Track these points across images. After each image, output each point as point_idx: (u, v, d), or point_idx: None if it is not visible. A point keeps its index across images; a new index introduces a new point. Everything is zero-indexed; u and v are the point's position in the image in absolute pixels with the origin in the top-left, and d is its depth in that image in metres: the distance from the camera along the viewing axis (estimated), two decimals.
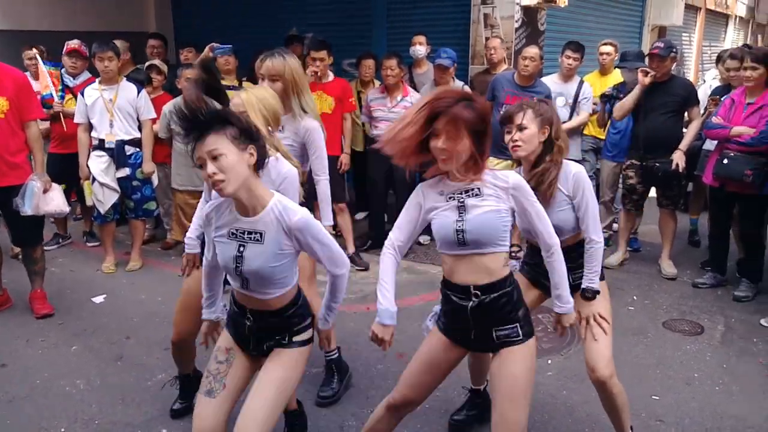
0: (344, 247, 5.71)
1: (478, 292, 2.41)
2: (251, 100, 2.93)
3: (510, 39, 6.66)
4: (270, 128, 2.91)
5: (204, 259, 2.57)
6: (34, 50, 6.04)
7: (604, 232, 6.05)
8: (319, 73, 5.49)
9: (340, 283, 2.48)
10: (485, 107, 2.38)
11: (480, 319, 2.44)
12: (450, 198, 2.42)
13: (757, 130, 4.58)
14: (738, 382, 3.72)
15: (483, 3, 6.82)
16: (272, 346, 2.44)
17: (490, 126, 2.37)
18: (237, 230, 2.30)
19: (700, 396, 3.58)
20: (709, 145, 5.42)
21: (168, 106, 5.56)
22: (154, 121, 5.53)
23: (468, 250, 2.40)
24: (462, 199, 2.40)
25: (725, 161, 4.68)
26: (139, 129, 5.47)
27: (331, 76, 5.71)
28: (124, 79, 5.51)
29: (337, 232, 6.05)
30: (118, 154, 5.36)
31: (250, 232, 2.28)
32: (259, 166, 2.26)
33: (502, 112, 2.93)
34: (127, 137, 5.39)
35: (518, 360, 2.40)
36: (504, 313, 2.42)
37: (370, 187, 6.26)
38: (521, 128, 2.79)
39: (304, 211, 2.30)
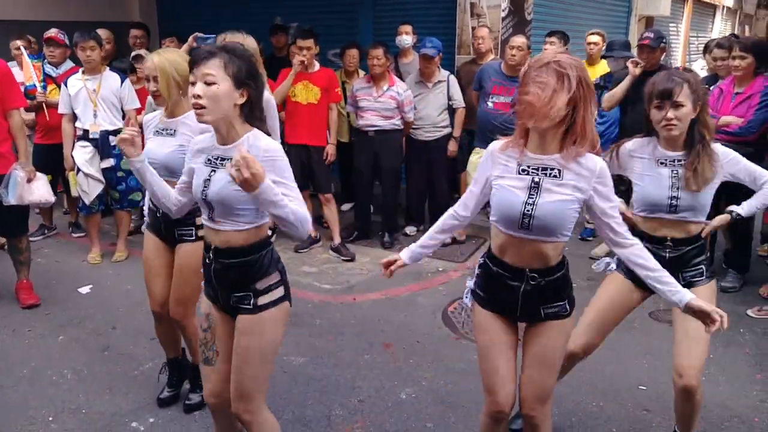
0: (330, 239, 5.73)
1: (535, 275, 2.28)
2: (163, 63, 2.95)
3: (497, 28, 6.65)
4: (181, 92, 2.99)
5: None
6: (19, 41, 5.97)
7: (589, 224, 6.13)
8: (306, 62, 5.45)
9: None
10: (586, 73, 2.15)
11: (530, 299, 2.33)
12: (524, 171, 2.22)
13: (746, 120, 4.60)
14: (724, 372, 3.74)
15: None
16: (237, 304, 2.35)
17: (593, 93, 2.14)
18: (212, 157, 2.31)
19: None
20: None
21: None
22: (138, 111, 5.48)
23: (531, 235, 2.23)
24: (538, 178, 2.19)
25: None
26: (124, 119, 5.42)
27: (317, 66, 5.67)
28: (108, 68, 5.45)
29: (323, 224, 6.05)
30: (102, 145, 5.32)
31: (222, 158, 2.27)
32: (247, 110, 2.24)
33: (655, 85, 2.66)
34: (111, 127, 5.34)
35: (560, 331, 2.38)
36: (554, 292, 2.33)
37: (355, 178, 6.24)
38: (677, 105, 2.59)
39: (277, 145, 2.26)
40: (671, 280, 2.29)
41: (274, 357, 2.44)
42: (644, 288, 2.68)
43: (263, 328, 2.35)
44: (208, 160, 2.32)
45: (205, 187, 2.29)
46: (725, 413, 3.33)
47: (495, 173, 2.28)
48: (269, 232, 2.45)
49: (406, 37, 6.23)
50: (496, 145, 2.32)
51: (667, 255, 2.69)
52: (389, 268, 2.65)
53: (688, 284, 2.62)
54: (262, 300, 2.33)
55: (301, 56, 5.43)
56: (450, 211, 2.55)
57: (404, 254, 2.64)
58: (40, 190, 4.49)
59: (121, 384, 3.63)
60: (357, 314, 4.52)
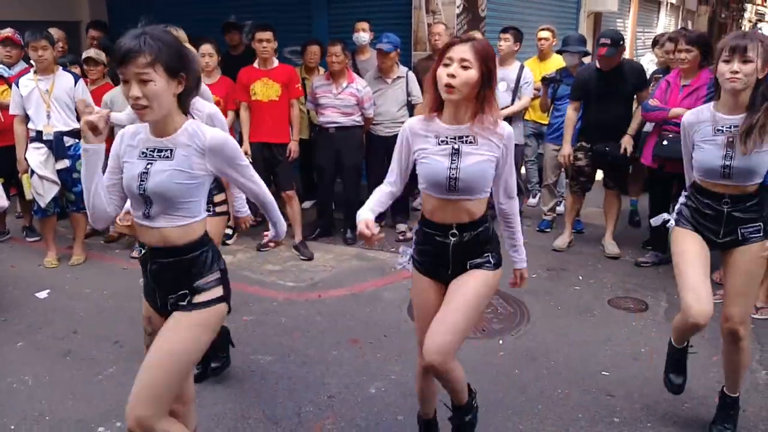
0: (292, 236, 5.71)
1: (461, 230, 2.48)
2: None
3: (452, 25, 6.72)
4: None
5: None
6: None
7: (547, 216, 6.25)
8: (266, 55, 5.44)
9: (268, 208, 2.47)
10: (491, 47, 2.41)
11: (458, 254, 2.50)
12: (442, 142, 2.42)
13: None
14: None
15: None
16: (174, 304, 2.23)
17: (495, 68, 2.37)
18: (147, 149, 2.18)
19: (648, 370, 3.70)
20: (649, 127, 5.59)
21: (108, 96, 5.41)
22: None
23: (457, 195, 2.44)
24: (457, 145, 2.40)
25: (665, 142, 4.83)
26: (78, 120, 5.30)
27: (276, 62, 5.65)
28: (61, 68, 5.33)
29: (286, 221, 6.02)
30: (56, 146, 5.19)
31: (160, 150, 2.17)
32: (185, 94, 2.16)
33: (728, 40, 2.72)
34: (65, 128, 5.23)
35: (479, 278, 2.50)
36: (479, 245, 2.51)
37: (317, 175, 6.23)
38: (746, 60, 2.65)
39: (219, 130, 2.24)
40: (519, 244, 2.68)
41: (188, 366, 2.25)
42: (709, 244, 2.94)
43: (191, 328, 2.20)
44: (143, 153, 2.18)
45: (141, 180, 2.15)
46: (685, 395, 3.41)
47: (416, 147, 2.48)
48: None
49: (363, 34, 6.25)
50: (411, 121, 2.52)
51: (726, 210, 2.87)
52: (374, 238, 2.55)
53: (744, 239, 2.86)
54: (199, 298, 2.22)
55: (261, 48, 5.43)
56: (384, 189, 2.66)
57: (368, 215, 2.60)
58: None
59: (84, 389, 3.56)
60: (322, 311, 4.52)
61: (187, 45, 3.62)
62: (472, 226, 2.49)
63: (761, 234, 2.87)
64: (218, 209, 3.68)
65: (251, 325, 4.29)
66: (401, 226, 6.11)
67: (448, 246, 2.50)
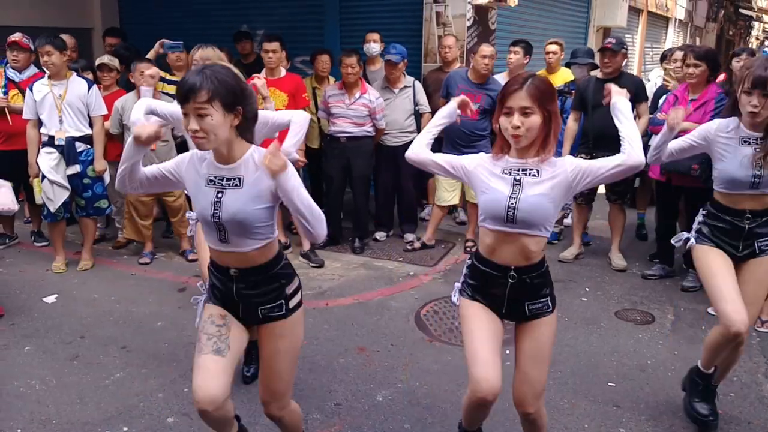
0: (299, 245, 5.73)
1: (519, 272, 2.45)
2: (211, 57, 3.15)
3: (462, 37, 6.76)
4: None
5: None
6: None
7: (555, 227, 6.26)
8: (272, 65, 5.48)
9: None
10: (549, 81, 2.43)
11: (515, 296, 2.49)
12: (506, 172, 2.43)
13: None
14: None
15: (435, 1, 6.91)
16: (268, 314, 2.43)
17: (556, 105, 2.41)
18: (215, 177, 2.31)
19: (654, 382, 3.70)
20: (654, 141, 5.59)
21: (120, 102, 5.45)
22: (105, 117, 5.41)
23: (515, 228, 2.40)
24: (519, 176, 2.41)
25: None
26: (91, 125, 5.35)
27: (283, 72, 5.69)
28: (75, 74, 5.37)
29: (293, 230, 6.06)
30: (68, 151, 5.23)
31: (228, 179, 2.29)
32: (243, 125, 2.28)
33: (750, 70, 2.80)
34: (77, 134, 5.26)
35: (546, 326, 2.51)
36: (538, 289, 2.49)
37: (326, 184, 6.26)
38: (766, 95, 2.75)
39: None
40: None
41: (296, 361, 2.57)
42: (735, 260, 3.01)
43: (294, 329, 2.49)
44: (211, 181, 2.31)
45: (215, 209, 2.28)
46: None
47: (476, 170, 2.50)
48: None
49: (374, 45, 6.29)
50: (484, 157, 2.52)
51: (746, 226, 2.96)
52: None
53: (761, 251, 2.97)
54: (292, 303, 2.46)
55: (266, 58, 5.48)
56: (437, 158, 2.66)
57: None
58: (3, 197, 4.41)
59: (92, 393, 3.57)
60: (330, 319, 4.53)
61: (226, 62, 3.79)
62: (531, 269, 2.46)
63: None
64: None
65: None
66: (409, 236, 6.12)
67: (505, 287, 2.48)
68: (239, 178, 2.28)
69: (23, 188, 5.83)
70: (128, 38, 7.40)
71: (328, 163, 6.02)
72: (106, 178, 5.51)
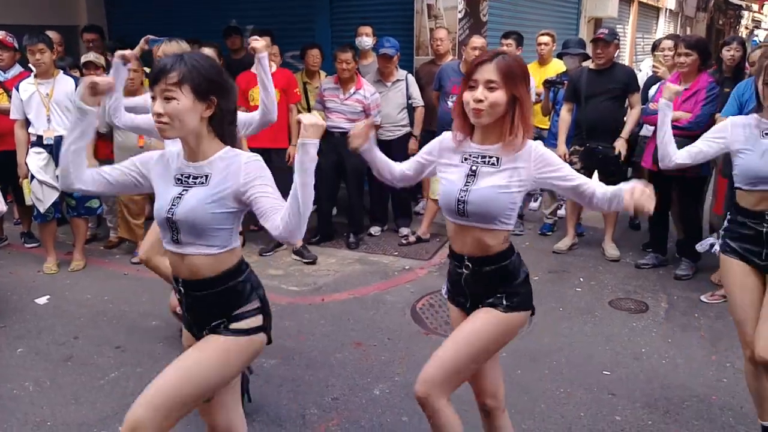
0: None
1: (473, 263, 2.31)
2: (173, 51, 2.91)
3: (454, 29, 6.74)
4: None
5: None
6: None
7: (549, 219, 6.26)
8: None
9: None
10: (524, 63, 2.26)
11: (472, 287, 2.36)
12: (465, 160, 2.29)
13: (694, 115, 4.77)
14: (683, 355, 3.87)
15: None
16: (212, 332, 2.14)
17: (526, 89, 2.21)
18: (182, 175, 2.12)
19: (648, 369, 3.72)
20: (646, 131, 5.60)
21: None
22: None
23: (468, 221, 2.28)
24: (476, 166, 2.26)
25: None
26: None
27: (273, 67, 5.66)
28: (61, 72, 5.34)
29: None
30: (57, 151, 5.17)
31: (195, 176, 2.10)
32: (218, 120, 2.09)
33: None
34: (66, 132, 5.21)
35: (484, 317, 2.30)
36: (494, 284, 2.32)
37: (318, 178, 6.21)
38: None
39: (257, 155, 2.13)
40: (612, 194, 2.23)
41: (202, 388, 2.09)
42: (754, 266, 2.76)
43: (218, 349, 2.10)
44: (178, 179, 2.12)
45: (173, 205, 2.08)
46: (685, 393, 3.46)
47: (440, 157, 2.38)
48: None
49: (366, 39, 6.25)
50: (447, 135, 2.39)
51: (765, 230, 2.71)
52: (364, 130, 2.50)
53: None
54: (236, 326, 2.12)
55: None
56: (402, 166, 2.56)
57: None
58: None
59: (86, 394, 3.54)
60: (326, 315, 4.52)
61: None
62: (486, 261, 2.30)
63: None
64: None
65: None
66: (404, 230, 6.12)
67: (461, 277, 2.36)
68: (206, 176, 2.09)
69: (11, 189, 5.79)
70: (114, 35, 7.34)
71: (321, 158, 5.97)
72: None
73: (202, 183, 2.09)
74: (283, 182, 6.18)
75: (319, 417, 3.29)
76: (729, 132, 2.83)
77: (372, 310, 4.59)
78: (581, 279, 5.15)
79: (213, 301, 2.13)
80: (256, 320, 2.16)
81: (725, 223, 2.90)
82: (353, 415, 3.31)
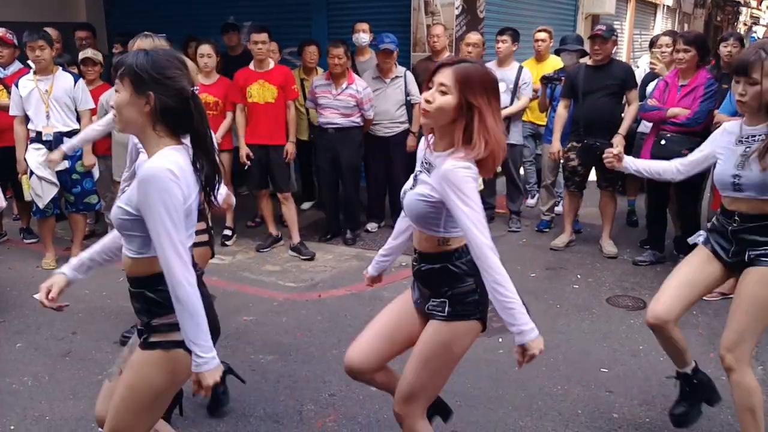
0: (289, 237, 5.72)
1: (418, 257, 2.36)
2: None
3: (451, 26, 6.74)
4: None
5: None
6: None
7: (546, 216, 6.27)
8: (261, 57, 5.46)
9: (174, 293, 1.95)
10: (491, 76, 2.19)
11: (420, 282, 2.39)
12: (422, 164, 2.30)
13: (692, 111, 4.77)
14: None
15: None
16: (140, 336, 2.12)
17: (492, 99, 2.15)
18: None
19: (646, 366, 3.73)
20: (644, 128, 5.62)
21: (105, 97, 5.40)
22: (93, 111, 5.38)
23: (411, 221, 2.37)
24: (421, 170, 2.29)
25: (662, 142, 4.85)
26: (78, 120, 5.32)
27: (272, 64, 5.66)
28: (60, 69, 5.33)
29: (283, 223, 6.04)
30: (56, 146, 5.18)
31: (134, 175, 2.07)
32: (159, 117, 1.98)
33: (735, 61, 2.67)
34: (65, 129, 5.23)
35: (435, 332, 2.30)
36: (435, 286, 2.30)
37: (319, 176, 6.25)
38: (752, 82, 2.57)
39: (158, 172, 1.89)
40: (506, 307, 2.15)
41: (147, 406, 2.07)
42: (722, 263, 2.78)
43: (141, 365, 2.05)
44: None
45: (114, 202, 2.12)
46: None
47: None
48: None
49: (363, 35, 6.25)
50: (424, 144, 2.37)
51: (730, 228, 2.73)
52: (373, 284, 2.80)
53: (751, 262, 2.67)
54: (154, 338, 2.04)
55: (255, 50, 5.45)
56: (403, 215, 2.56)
57: (371, 268, 2.79)
58: None
59: (85, 389, 3.55)
60: (323, 311, 4.53)
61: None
62: (425, 258, 2.32)
63: None
64: (196, 239, 2.52)
65: (252, 325, 4.29)
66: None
67: (413, 270, 2.41)
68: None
69: (10, 185, 5.79)
70: (112, 32, 7.34)
71: (317, 155, 6.01)
72: (95, 173, 5.48)
73: (129, 185, 2.10)
74: (282, 178, 6.23)
75: (316, 413, 3.30)
76: (715, 138, 2.89)
77: (369, 306, 4.59)
78: (578, 276, 5.16)
79: (140, 300, 2.09)
80: (175, 335, 2.01)
81: (713, 220, 2.94)
82: (350, 411, 3.32)
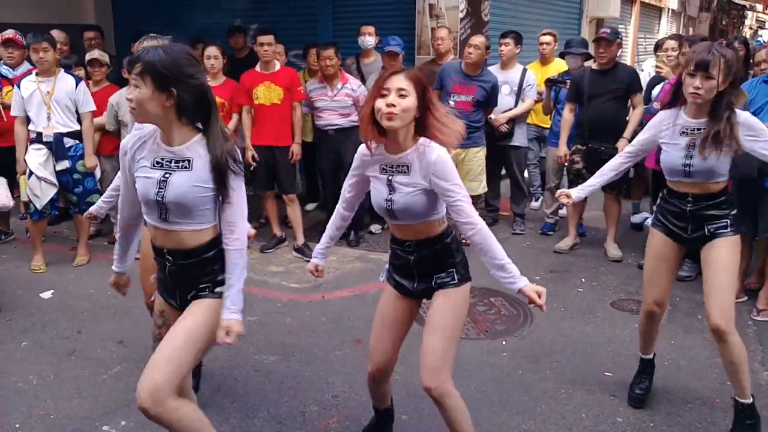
0: (294, 238, 5.73)
1: (416, 247, 2.57)
2: None
3: (455, 29, 6.76)
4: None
5: (119, 204, 2.55)
6: None
7: (550, 218, 6.27)
8: (267, 59, 5.48)
9: (234, 258, 2.34)
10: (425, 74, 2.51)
11: (420, 267, 2.60)
12: (383, 170, 2.51)
13: None
14: (685, 357, 3.88)
15: None
16: (197, 295, 2.36)
17: (432, 95, 2.45)
18: (162, 159, 2.28)
19: None
20: None
21: (115, 98, 5.43)
22: (95, 113, 5.39)
23: (401, 221, 2.55)
24: (391, 176, 2.48)
25: None
26: (79, 121, 5.32)
27: (278, 66, 5.68)
28: (62, 71, 5.33)
29: (288, 224, 6.06)
30: (56, 147, 5.19)
31: (177, 160, 2.26)
32: (183, 109, 2.22)
33: (695, 53, 2.85)
34: (65, 130, 5.22)
35: (449, 300, 2.58)
36: (440, 261, 2.57)
37: (322, 178, 6.25)
38: (708, 77, 2.80)
39: (231, 145, 2.31)
40: (511, 268, 2.46)
41: (202, 346, 2.34)
42: (681, 241, 3.12)
43: (209, 310, 2.32)
44: (158, 163, 2.27)
45: (160, 188, 2.24)
46: (688, 395, 3.46)
47: (367, 171, 2.58)
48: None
49: (369, 38, 6.26)
50: (362, 149, 2.58)
51: (688, 208, 3.03)
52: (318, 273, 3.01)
53: (712, 235, 3.00)
54: (220, 289, 2.35)
55: (262, 52, 5.46)
56: (338, 209, 2.86)
57: (314, 258, 3.00)
58: None
59: (90, 388, 3.57)
60: (327, 312, 4.54)
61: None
62: (424, 244, 2.55)
63: (729, 229, 2.99)
64: None
65: (255, 326, 4.29)
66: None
67: (409, 261, 2.59)
68: (188, 160, 2.26)
69: (17, 185, 5.80)
70: (119, 34, 7.36)
71: (320, 157, 6.02)
72: (98, 173, 5.50)
73: (186, 167, 2.26)
74: (288, 179, 6.25)
75: (319, 414, 3.31)
76: (656, 128, 3.12)
77: (372, 308, 4.49)
78: (583, 279, 5.16)
79: (198, 268, 2.34)
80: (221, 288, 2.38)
81: (658, 201, 3.20)
82: (353, 412, 3.32)
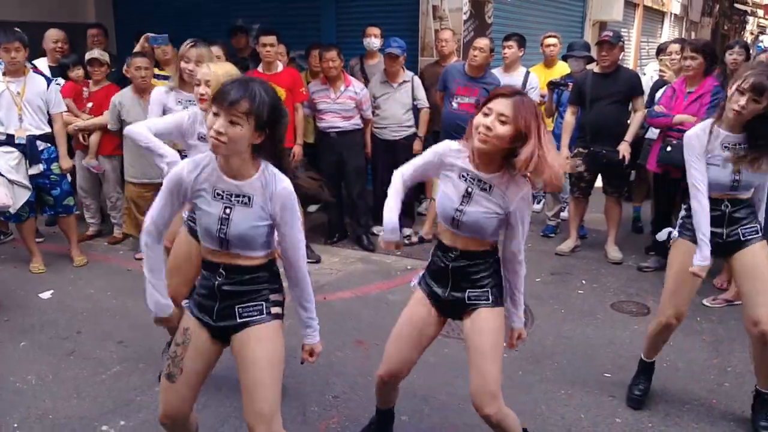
0: None
1: (459, 253, 2.55)
2: (218, 73, 2.98)
3: (459, 31, 6.75)
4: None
5: (155, 217, 2.37)
6: None
7: (551, 221, 6.27)
8: (269, 59, 5.47)
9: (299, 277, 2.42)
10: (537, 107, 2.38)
11: (455, 276, 2.58)
12: (462, 176, 2.47)
13: (698, 118, 4.75)
14: (683, 359, 3.87)
15: None
16: (244, 313, 2.32)
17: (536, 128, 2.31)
18: (223, 192, 2.26)
19: None
20: (652, 134, 5.61)
21: (117, 97, 5.41)
22: (94, 113, 5.32)
23: (462, 233, 2.52)
24: (471, 188, 2.45)
25: (669, 149, 4.85)
26: (50, 123, 5.18)
27: (280, 67, 5.67)
28: (32, 71, 5.22)
29: None
30: (30, 150, 5.06)
31: (237, 195, 2.25)
32: (264, 146, 2.22)
33: (749, 72, 2.89)
34: (38, 132, 5.08)
35: (491, 322, 2.56)
36: (478, 276, 2.56)
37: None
38: (757, 100, 2.85)
39: (290, 186, 2.28)
40: (520, 306, 2.66)
41: (282, 368, 2.38)
42: (719, 250, 3.08)
43: (274, 336, 2.34)
44: (218, 194, 2.26)
45: (222, 225, 2.24)
46: (686, 397, 3.47)
47: (446, 161, 2.52)
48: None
49: (374, 40, 6.23)
50: (450, 144, 2.54)
51: (726, 210, 3.08)
52: (395, 245, 2.82)
53: (746, 239, 3.08)
54: (275, 310, 2.36)
55: (264, 52, 5.45)
56: (398, 175, 2.74)
57: (389, 234, 2.77)
58: None
59: (89, 388, 3.56)
60: (328, 313, 4.51)
61: (222, 60, 4.06)
62: (468, 256, 2.55)
63: (759, 234, 3.08)
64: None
65: None
66: (406, 230, 6.11)
67: (448, 267, 2.58)
68: (249, 197, 2.25)
69: None
70: (120, 33, 7.34)
71: (321, 159, 6.01)
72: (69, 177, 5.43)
73: (246, 204, 2.25)
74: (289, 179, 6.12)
75: (320, 415, 3.30)
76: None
77: (374, 310, 4.60)
78: (583, 281, 5.15)
79: (249, 283, 2.33)
80: (281, 310, 2.41)
81: (683, 212, 3.21)
82: (354, 413, 3.31)
